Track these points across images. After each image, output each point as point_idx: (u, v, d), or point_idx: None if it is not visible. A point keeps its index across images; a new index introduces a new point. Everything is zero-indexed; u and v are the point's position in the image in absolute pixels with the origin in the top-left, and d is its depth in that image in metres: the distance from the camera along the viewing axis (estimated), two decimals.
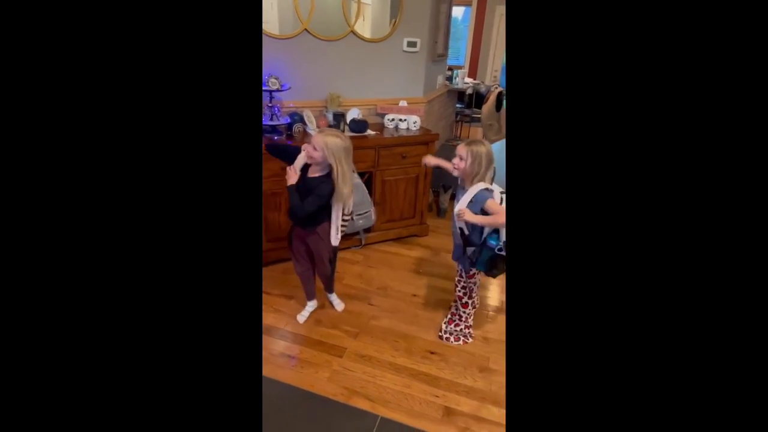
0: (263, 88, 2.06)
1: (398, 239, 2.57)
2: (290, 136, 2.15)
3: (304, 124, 2.28)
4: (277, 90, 2.09)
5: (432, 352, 1.71)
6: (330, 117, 2.34)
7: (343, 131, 2.28)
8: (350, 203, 1.63)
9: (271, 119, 2.13)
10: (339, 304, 1.94)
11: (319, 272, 1.80)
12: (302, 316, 1.86)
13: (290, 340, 1.75)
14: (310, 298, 1.88)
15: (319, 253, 1.70)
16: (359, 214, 2.27)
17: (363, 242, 2.47)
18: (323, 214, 1.62)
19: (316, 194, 1.51)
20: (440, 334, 1.80)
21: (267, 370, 1.57)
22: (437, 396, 1.51)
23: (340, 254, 2.41)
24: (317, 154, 1.48)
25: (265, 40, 2.14)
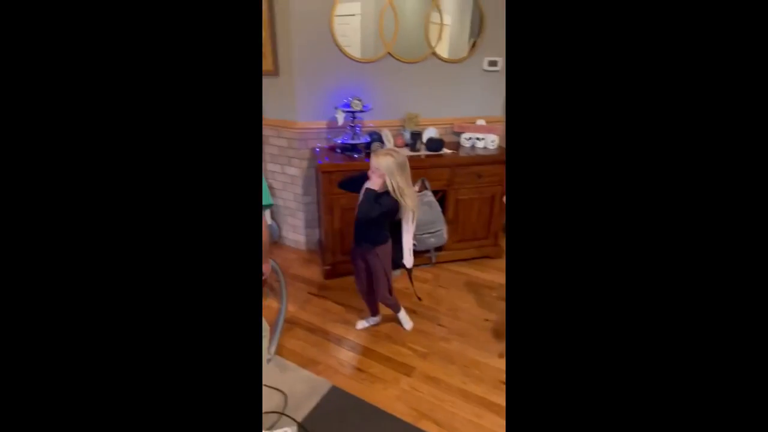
0: (347, 108, 2.18)
1: (470, 260, 2.50)
2: (368, 154, 2.24)
3: (382, 142, 2.36)
4: (360, 111, 2.19)
5: (505, 383, 1.62)
6: (407, 136, 2.39)
7: (419, 150, 2.31)
8: (415, 216, 1.67)
9: (352, 138, 2.24)
10: (407, 323, 1.94)
11: (378, 293, 1.80)
12: (360, 324, 1.92)
13: (359, 352, 1.78)
14: (373, 314, 1.92)
15: (377, 273, 1.72)
16: (431, 232, 2.26)
17: (434, 260, 2.45)
18: (383, 233, 1.66)
19: (378, 203, 1.56)
20: None
21: (336, 380, 1.61)
22: None
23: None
24: (376, 178, 1.55)
25: (349, 63, 2.27)
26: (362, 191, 1.58)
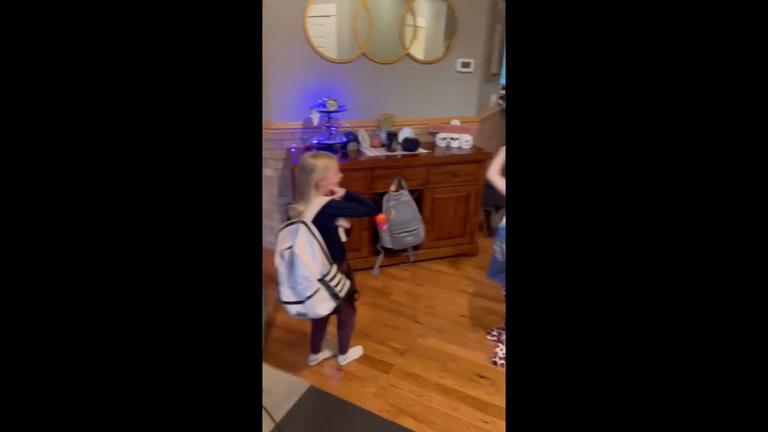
0: (322, 109, 2.18)
1: (447, 258, 2.54)
2: (345, 155, 2.25)
3: (358, 142, 2.37)
4: (335, 111, 2.20)
5: (481, 376, 1.66)
6: (383, 136, 2.41)
7: (395, 150, 2.34)
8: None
9: (328, 138, 2.24)
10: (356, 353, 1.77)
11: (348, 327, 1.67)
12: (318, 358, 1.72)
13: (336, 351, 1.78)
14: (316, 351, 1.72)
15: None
16: (408, 231, 2.29)
17: (411, 259, 2.48)
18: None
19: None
20: (493, 359, 1.73)
21: (314, 380, 1.61)
22: (486, 422, 1.45)
23: (388, 270, 2.43)
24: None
25: (324, 63, 2.28)
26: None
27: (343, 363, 1.70)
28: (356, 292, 1.59)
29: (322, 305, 1.36)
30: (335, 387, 1.59)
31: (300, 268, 1.31)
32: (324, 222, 1.37)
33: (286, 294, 1.36)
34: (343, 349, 1.69)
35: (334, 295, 1.37)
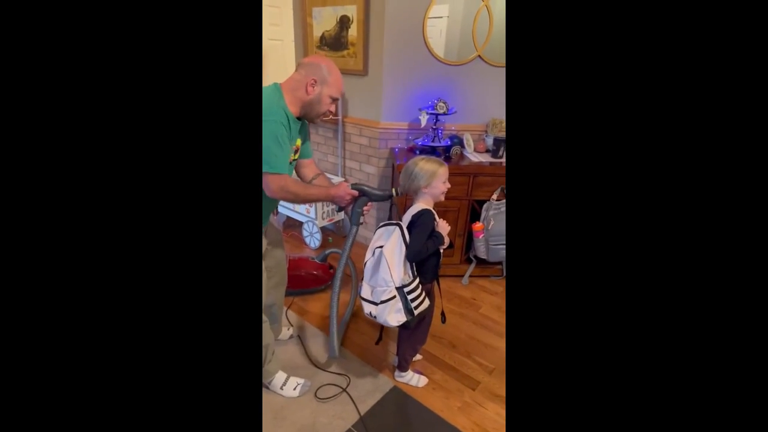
0: (431, 111, 2.17)
1: None
2: (448, 158, 2.21)
3: (463, 147, 2.31)
4: (444, 113, 2.17)
5: None
6: (489, 141, 2.31)
7: (501, 157, 2.23)
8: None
9: (433, 140, 2.22)
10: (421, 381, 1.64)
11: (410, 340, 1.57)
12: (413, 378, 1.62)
13: (422, 355, 1.76)
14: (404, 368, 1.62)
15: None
16: (504, 244, 2.17)
17: (504, 273, 2.35)
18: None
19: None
20: None
21: (400, 383, 1.61)
22: None
23: (479, 281, 2.34)
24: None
25: (437, 65, 2.26)
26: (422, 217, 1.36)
27: (398, 379, 1.61)
28: (442, 315, 1.50)
29: (393, 315, 1.32)
30: (419, 392, 1.57)
31: (384, 270, 1.31)
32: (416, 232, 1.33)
33: (366, 291, 1.38)
34: (401, 365, 1.60)
35: (408, 310, 1.33)
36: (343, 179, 1.50)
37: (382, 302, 1.32)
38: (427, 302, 1.38)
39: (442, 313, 1.51)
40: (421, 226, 1.33)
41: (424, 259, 1.36)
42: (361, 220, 1.46)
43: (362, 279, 1.41)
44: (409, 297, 1.32)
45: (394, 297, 1.31)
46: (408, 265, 1.33)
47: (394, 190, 1.39)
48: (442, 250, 1.40)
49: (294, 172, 1.44)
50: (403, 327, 1.39)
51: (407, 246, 1.31)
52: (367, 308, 1.38)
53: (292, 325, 1.90)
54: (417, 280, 1.34)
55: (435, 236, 1.35)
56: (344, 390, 1.55)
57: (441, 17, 2.23)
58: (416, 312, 1.34)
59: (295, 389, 1.51)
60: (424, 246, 1.32)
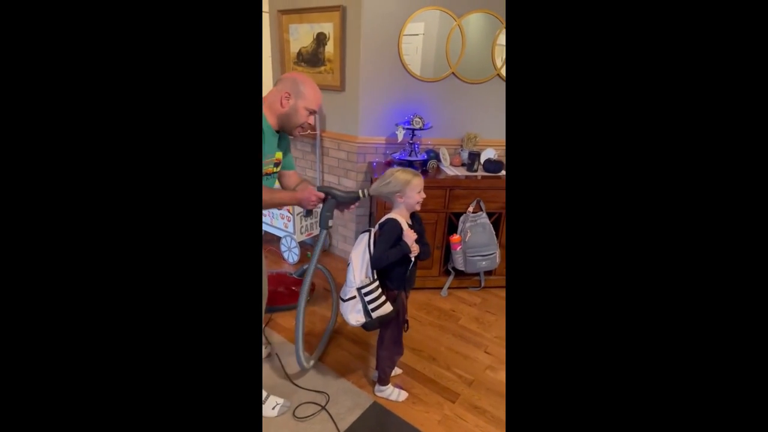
0: (407, 126, 2.21)
1: None
2: (425, 172, 2.25)
3: (439, 161, 2.36)
4: (420, 128, 2.22)
5: None
6: (464, 155, 2.37)
7: (476, 170, 2.29)
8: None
9: (410, 155, 2.26)
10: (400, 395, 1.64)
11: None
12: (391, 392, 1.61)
13: (401, 369, 1.75)
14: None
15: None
16: (483, 255, 2.21)
17: (482, 284, 2.39)
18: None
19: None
20: None
21: (380, 398, 1.59)
22: None
23: (457, 293, 2.36)
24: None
25: (413, 81, 2.31)
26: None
27: (378, 393, 1.60)
28: (406, 322, 1.52)
29: (353, 315, 1.40)
30: (399, 407, 1.56)
31: (349, 271, 1.41)
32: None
33: (343, 290, 1.45)
34: (381, 379, 1.59)
35: (366, 311, 1.38)
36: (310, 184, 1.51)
37: (345, 300, 1.41)
38: (388, 307, 1.40)
39: (406, 321, 1.53)
40: (384, 234, 1.37)
41: (390, 266, 1.39)
42: (330, 224, 1.50)
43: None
44: (366, 299, 1.37)
45: (355, 297, 1.39)
46: (369, 268, 1.38)
47: (360, 191, 1.44)
48: (413, 259, 1.42)
49: (277, 182, 1.48)
50: (364, 328, 1.44)
51: (370, 253, 1.36)
52: (341, 306, 1.46)
53: (270, 343, 1.86)
54: (376, 284, 1.38)
55: (399, 245, 1.37)
56: (323, 408, 1.52)
57: (417, 35, 2.30)
58: (374, 315, 1.38)
59: (273, 408, 1.48)
60: (386, 254, 1.35)
